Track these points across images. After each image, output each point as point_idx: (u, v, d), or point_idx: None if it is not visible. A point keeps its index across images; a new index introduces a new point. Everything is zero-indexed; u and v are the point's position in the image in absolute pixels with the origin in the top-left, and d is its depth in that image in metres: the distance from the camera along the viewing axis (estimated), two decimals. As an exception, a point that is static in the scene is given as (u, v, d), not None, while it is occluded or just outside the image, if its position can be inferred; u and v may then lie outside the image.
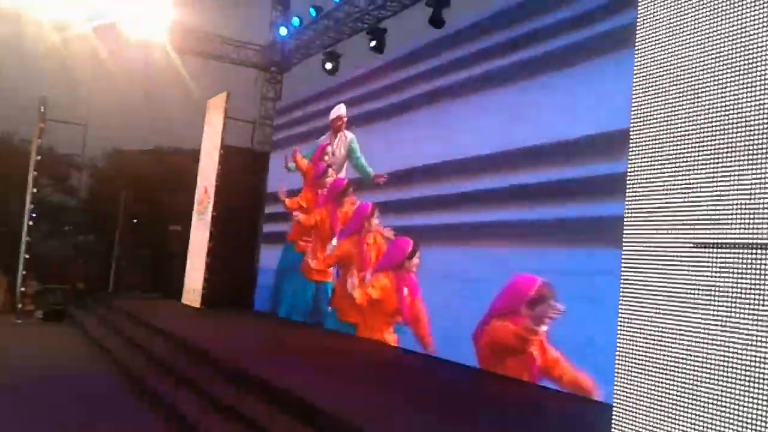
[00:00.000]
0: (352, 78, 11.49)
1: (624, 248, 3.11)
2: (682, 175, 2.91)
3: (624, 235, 3.13)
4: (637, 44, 3.30)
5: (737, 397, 2.52)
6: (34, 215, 14.11)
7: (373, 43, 11.83)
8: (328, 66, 13.39)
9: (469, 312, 7.04)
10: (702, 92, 2.88)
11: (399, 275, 8.21)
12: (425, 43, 9.45)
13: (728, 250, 2.66)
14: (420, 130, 8.90)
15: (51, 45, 13.81)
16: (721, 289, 2.65)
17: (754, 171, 2.61)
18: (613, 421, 2.99)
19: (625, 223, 3.14)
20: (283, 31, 14.79)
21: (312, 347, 8.74)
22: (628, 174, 3.21)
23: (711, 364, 2.64)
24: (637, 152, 3.25)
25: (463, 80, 8.13)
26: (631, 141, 3.33)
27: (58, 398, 7.39)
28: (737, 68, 2.70)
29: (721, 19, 2.81)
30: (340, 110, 11.01)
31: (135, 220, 16.78)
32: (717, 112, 2.80)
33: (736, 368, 2.54)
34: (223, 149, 13.88)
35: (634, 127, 3.31)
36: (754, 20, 2.66)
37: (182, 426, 6.38)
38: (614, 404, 3.01)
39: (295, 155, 12.13)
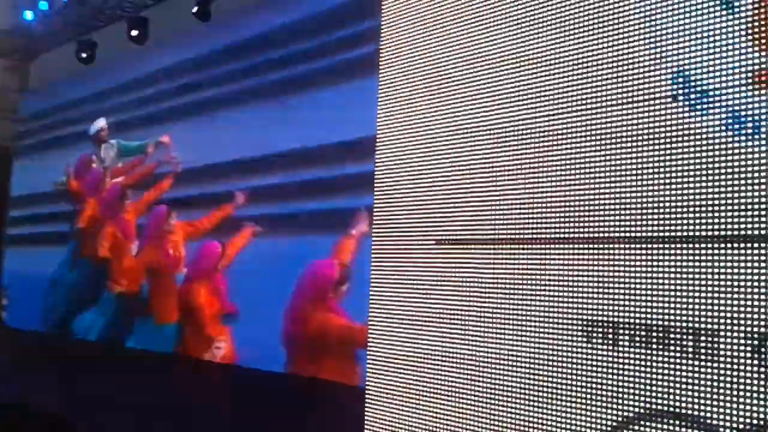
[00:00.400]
0: (109, 88, 10.94)
1: (373, 243, 3.41)
2: (423, 177, 3.19)
3: (373, 233, 3.43)
4: (381, 58, 3.63)
5: (474, 386, 2.72)
6: None
7: (133, 33, 11.30)
8: (83, 55, 12.49)
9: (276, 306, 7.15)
10: (440, 104, 3.15)
11: (213, 278, 8.14)
12: (191, 57, 9.46)
13: (467, 246, 2.88)
14: (188, 135, 8.91)
15: None
16: (460, 282, 2.86)
17: (485, 174, 2.88)
18: (366, 409, 3.22)
19: (373, 222, 3.45)
20: (28, 15, 13.38)
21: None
22: (375, 178, 3.51)
23: (451, 353, 2.84)
24: (382, 158, 3.60)
25: (231, 93, 8.46)
26: (376, 148, 3.67)
27: None
28: (470, 79, 3.00)
29: (455, 36, 3.11)
30: (101, 122, 10.68)
31: None
32: (453, 121, 3.07)
33: (474, 357, 2.75)
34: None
35: (379, 134, 3.65)
36: (487, 34, 2.95)
37: None
38: (366, 392, 3.24)
39: (69, 181, 11.23)
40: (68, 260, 11.15)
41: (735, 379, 2.09)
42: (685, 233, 2.23)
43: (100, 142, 10.78)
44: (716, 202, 2.17)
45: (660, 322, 2.26)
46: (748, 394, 2.02)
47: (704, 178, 2.19)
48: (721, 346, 2.13)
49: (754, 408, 2.01)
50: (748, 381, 2.03)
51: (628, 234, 2.37)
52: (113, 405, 5.72)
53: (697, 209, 2.21)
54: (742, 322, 2.07)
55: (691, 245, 2.21)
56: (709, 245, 2.17)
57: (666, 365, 2.23)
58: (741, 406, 2.02)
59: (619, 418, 2.29)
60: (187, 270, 8.48)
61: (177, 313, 8.52)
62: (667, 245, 2.26)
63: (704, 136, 2.22)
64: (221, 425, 5.43)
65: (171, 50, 9.98)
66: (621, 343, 2.31)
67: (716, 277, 2.16)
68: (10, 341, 10.99)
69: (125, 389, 6.74)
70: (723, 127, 2.18)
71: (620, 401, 2.30)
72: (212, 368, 7.96)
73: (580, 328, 2.42)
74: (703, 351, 2.17)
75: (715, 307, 2.15)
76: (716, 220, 2.16)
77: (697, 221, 2.20)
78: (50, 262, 11.62)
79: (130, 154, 10.18)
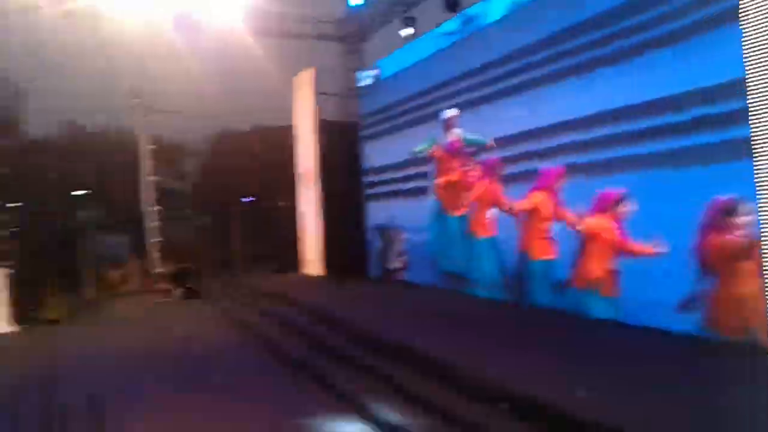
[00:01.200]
0: (444, 81, 11.97)
1: (757, 185, 3.60)
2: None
3: (756, 173, 3.63)
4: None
5: None
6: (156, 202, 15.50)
7: (447, 4, 12.28)
8: (407, 31, 13.89)
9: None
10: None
11: (609, 215, 8.55)
12: (524, 45, 9.79)
13: None
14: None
15: (136, 38, 14.76)
16: None
17: None
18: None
19: (755, 161, 3.64)
20: (353, 1, 15.23)
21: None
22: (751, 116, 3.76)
23: None
24: (756, 95, 3.78)
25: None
26: (748, 86, 3.85)
27: (209, 364, 8.56)
28: None
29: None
30: (453, 111, 11.71)
31: (248, 199, 17.98)
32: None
33: None
34: (317, 123, 14.79)
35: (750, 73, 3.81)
36: None
37: (317, 383, 7.24)
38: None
39: (434, 150, 12.66)
40: (435, 217, 12.43)
41: None
42: None
43: (448, 128, 11.93)
44: None
45: None
46: None
47: None
48: None
49: None
50: None
51: None
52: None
53: None
54: None
55: None
56: None
57: None
58: None
59: None
60: (590, 207, 9.02)
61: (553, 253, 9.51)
62: None
63: None
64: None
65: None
66: None
67: None
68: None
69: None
70: None
71: None
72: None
73: None
74: None
75: None
76: None
77: None
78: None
79: (469, 145, 11.26)
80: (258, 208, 17.88)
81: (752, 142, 3.87)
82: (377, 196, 14.72)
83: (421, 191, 12.88)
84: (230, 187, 18.04)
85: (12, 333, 12.14)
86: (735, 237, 6.83)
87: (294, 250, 15.83)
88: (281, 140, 16.49)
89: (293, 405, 6.61)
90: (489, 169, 10.96)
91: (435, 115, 12.16)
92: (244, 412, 6.42)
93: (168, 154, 17.93)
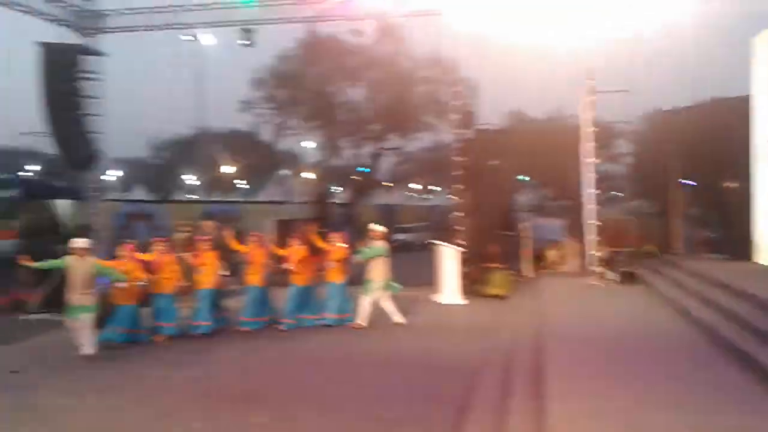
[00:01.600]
0: None
1: None
2: None
3: None
4: None
5: None
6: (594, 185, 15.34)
7: None
8: None
9: None
10: None
11: None
12: None
13: None
14: None
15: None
16: None
17: None
18: None
19: None
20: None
21: None
22: None
23: None
24: None
25: None
26: None
27: (644, 353, 8.23)
28: None
29: None
30: None
31: (688, 182, 16.67)
32: None
33: None
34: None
35: None
36: None
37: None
38: None
39: None
40: None
41: None
42: None
43: None
44: None
45: None
46: None
47: None
48: None
49: None
50: None
51: None
52: None
53: None
54: None
55: None
56: None
57: None
58: None
59: None
60: None
61: None
62: None
63: None
64: None
65: None
66: None
67: None
68: None
69: None
70: None
71: None
72: None
73: None
74: None
75: None
76: None
77: None
78: None
79: None
80: (701, 189, 16.22)
81: None
82: None
83: None
84: (668, 168, 16.71)
85: (465, 305, 13.49)
86: None
87: (746, 235, 13.87)
88: (732, 112, 14.57)
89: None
90: None
91: None
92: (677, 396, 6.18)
93: (605, 136, 17.58)
